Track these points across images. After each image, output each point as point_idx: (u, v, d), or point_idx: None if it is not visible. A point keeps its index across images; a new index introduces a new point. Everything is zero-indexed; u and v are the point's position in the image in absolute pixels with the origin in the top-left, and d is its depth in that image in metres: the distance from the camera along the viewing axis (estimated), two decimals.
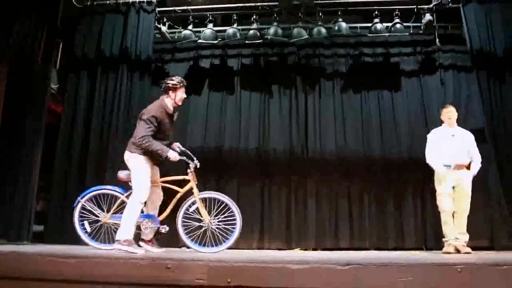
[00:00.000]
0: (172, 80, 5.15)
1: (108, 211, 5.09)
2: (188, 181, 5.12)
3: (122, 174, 5.11)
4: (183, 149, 5.30)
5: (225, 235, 5.08)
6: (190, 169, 5.11)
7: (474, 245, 6.56)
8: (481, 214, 6.80)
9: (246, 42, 7.96)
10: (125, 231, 4.77)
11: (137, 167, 4.90)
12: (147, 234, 5.10)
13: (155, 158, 5.02)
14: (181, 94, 5.14)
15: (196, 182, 5.12)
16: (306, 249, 7.02)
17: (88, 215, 5.10)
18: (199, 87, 7.99)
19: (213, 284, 3.03)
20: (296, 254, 6.03)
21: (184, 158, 5.12)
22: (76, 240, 5.28)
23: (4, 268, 3.28)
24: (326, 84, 7.88)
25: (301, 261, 3.11)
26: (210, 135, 7.78)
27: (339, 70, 7.89)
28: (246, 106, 7.88)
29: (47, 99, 6.78)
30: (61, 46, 7.40)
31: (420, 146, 7.37)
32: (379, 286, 2.98)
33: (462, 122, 7.26)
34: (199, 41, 7.97)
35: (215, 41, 7.95)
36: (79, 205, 5.11)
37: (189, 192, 5.13)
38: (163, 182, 5.23)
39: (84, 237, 5.10)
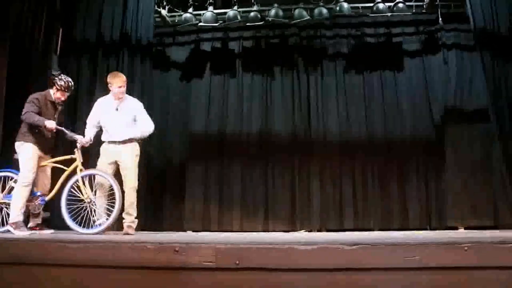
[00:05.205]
0: (61, 80, 5.21)
1: (2, 192, 5.22)
2: (75, 159, 5.17)
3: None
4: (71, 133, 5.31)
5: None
6: (77, 147, 5.18)
7: (478, 225, 6.62)
8: (485, 194, 6.83)
9: (247, 24, 7.89)
10: (14, 214, 4.95)
11: (21, 152, 5.09)
12: (35, 210, 5.24)
13: (43, 146, 5.19)
14: (59, 96, 5.24)
15: (82, 161, 5.15)
16: (311, 230, 7.07)
17: None
18: (201, 71, 7.97)
19: (221, 266, 3.03)
20: (302, 235, 6.06)
21: (74, 137, 5.22)
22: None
23: (13, 254, 3.29)
24: (328, 65, 7.83)
25: (308, 242, 3.11)
26: (213, 118, 7.78)
27: (341, 51, 7.83)
28: (248, 89, 7.86)
29: None
30: (61, 30, 7.33)
31: (423, 126, 7.42)
32: (387, 266, 2.98)
33: (465, 101, 7.26)
34: (200, 24, 7.90)
35: (216, 24, 7.89)
36: None
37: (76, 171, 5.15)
38: (53, 162, 5.31)
39: None
